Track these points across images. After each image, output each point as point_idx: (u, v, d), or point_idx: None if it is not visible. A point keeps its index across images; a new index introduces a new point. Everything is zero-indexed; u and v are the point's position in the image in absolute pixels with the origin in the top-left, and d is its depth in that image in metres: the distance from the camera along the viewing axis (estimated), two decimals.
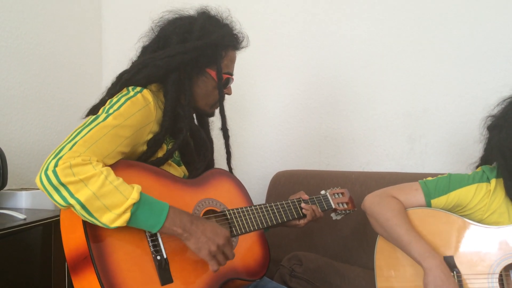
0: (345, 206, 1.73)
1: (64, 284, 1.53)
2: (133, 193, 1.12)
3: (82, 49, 2.54)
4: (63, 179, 1.06)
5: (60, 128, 2.31)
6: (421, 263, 1.42)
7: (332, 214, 1.74)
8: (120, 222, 1.10)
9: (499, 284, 1.41)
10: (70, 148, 1.10)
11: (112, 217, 1.09)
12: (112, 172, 1.13)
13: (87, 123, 1.18)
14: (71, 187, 1.07)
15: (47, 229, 1.52)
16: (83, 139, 1.13)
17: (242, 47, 1.47)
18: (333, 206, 1.69)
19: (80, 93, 2.47)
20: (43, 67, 2.23)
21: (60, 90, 2.34)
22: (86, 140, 1.13)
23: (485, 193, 1.49)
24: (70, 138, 1.14)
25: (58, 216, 1.53)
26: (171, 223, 1.17)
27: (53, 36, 2.29)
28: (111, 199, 1.09)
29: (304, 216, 1.59)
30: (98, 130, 1.16)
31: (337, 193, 1.74)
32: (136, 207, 1.12)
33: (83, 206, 1.07)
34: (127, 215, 1.10)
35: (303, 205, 1.59)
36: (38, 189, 1.83)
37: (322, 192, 1.71)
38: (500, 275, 1.42)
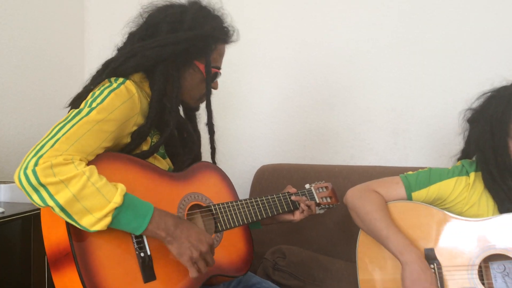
0: (329, 200, 1.72)
1: (44, 277, 1.52)
2: (116, 197, 1.07)
3: (63, 41, 2.50)
4: (42, 180, 1.01)
5: (41, 120, 2.28)
6: (398, 257, 1.43)
7: (316, 208, 1.74)
8: (101, 226, 1.06)
9: (479, 275, 1.42)
10: (52, 146, 1.05)
11: (92, 221, 1.06)
12: (95, 172, 1.08)
13: (69, 118, 1.12)
14: (50, 188, 1.02)
15: (26, 222, 1.50)
16: (65, 135, 1.08)
17: (232, 41, 1.44)
18: (317, 201, 1.68)
19: (62, 85, 2.44)
20: (23, 59, 2.19)
21: (41, 82, 2.30)
22: (68, 137, 1.08)
23: (465, 187, 1.51)
24: (52, 135, 1.08)
25: (38, 209, 1.53)
26: (155, 226, 1.14)
27: (34, 27, 2.26)
28: (92, 201, 1.05)
29: (296, 208, 1.58)
30: (81, 126, 1.11)
31: (321, 187, 1.73)
32: (118, 211, 1.08)
33: (62, 209, 1.03)
34: (108, 219, 1.07)
35: (293, 197, 1.58)
36: None
37: (307, 186, 1.71)
38: (480, 267, 1.44)
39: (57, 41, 2.43)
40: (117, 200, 1.07)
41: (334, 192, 1.76)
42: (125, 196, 1.10)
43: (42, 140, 1.08)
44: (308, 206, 1.59)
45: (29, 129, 2.21)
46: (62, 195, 1.03)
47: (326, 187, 1.74)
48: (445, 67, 2.26)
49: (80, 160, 1.08)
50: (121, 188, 1.10)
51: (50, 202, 1.03)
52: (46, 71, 2.34)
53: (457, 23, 2.24)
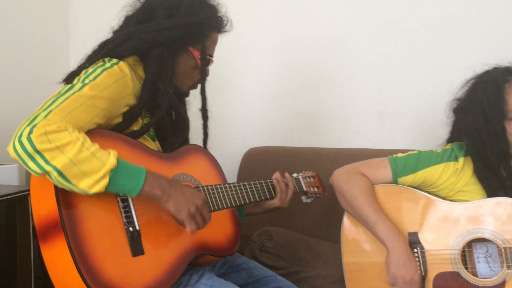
0: (316, 189, 1.74)
1: (30, 259, 1.52)
2: (110, 158, 1.10)
3: (49, 23, 2.46)
4: (38, 146, 1.03)
5: (27, 103, 2.26)
6: (385, 244, 1.45)
7: (303, 197, 1.74)
8: (99, 187, 1.09)
9: (462, 259, 1.45)
10: (45, 116, 1.07)
11: (90, 183, 1.08)
12: (88, 138, 1.11)
13: (62, 92, 1.15)
14: (46, 154, 1.04)
15: (11, 205, 1.50)
16: (58, 107, 1.10)
17: (225, 31, 1.47)
18: (305, 189, 1.69)
19: (48, 68, 2.41)
20: (8, 42, 2.16)
21: (27, 65, 2.28)
22: (61, 109, 1.10)
23: (452, 172, 1.51)
24: (45, 107, 1.11)
25: (23, 191, 1.53)
26: (150, 185, 1.17)
27: (19, 10, 2.21)
28: (88, 165, 1.08)
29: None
30: (74, 100, 1.13)
31: (309, 177, 1.75)
32: (114, 172, 1.11)
33: (60, 173, 1.05)
34: (105, 180, 1.09)
35: (274, 180, 1.58)
36: (2, 164, 1.80)
37: (294, 175, 1.72)
38: (463, 251, 1.46)
39: (42, 23, 2.39)
40: (112, 161, 1.10)
41: (321, 181, 1.77)
42: (118, 159, 1.13)
43: (35, 112, 1.10)
44: (286, 184, 1.58)
45: (14, 111, 2.19)
46: (59, 160, 1.05)
47: (313, 177, 1.76)
48: (431, 50, 2.26)
49: (73, 128, 1.10)
50: (114, 152, 1.13)
51: (48, 168, 1.05)
52: (32, 55, 2.31)
53: (442, 7, 2.23)
